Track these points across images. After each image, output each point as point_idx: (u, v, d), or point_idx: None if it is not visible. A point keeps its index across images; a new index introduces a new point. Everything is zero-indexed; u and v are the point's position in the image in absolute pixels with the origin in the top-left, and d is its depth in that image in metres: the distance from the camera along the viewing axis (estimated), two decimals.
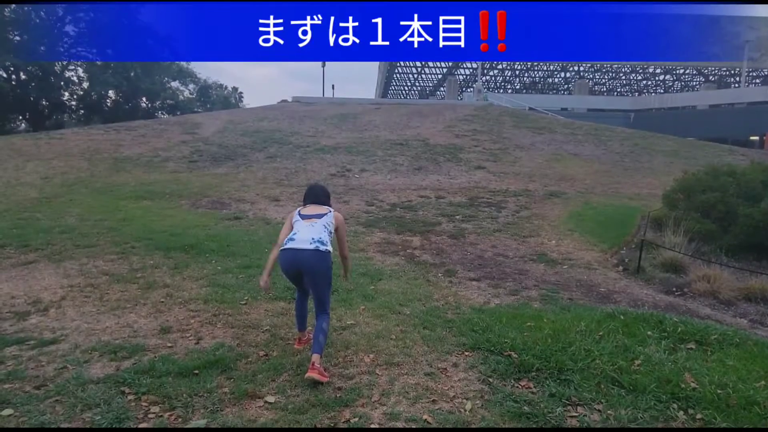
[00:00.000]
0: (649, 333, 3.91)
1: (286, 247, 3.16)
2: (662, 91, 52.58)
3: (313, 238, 3.13)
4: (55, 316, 4.11)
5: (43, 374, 3.07)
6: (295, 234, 3.19)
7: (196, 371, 3.11)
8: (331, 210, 3.41)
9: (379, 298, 4.71)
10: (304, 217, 3.29)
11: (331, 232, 3.28)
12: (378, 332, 3.87)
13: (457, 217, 9.21)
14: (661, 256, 6.87)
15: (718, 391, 2.96)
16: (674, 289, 5.91)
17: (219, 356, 3.33)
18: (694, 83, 50.32)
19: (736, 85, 43.06)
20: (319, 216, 3.29)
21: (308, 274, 3.16)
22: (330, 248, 3.18)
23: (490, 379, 3.13)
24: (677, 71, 48.03)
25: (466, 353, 3.52)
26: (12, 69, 29.60)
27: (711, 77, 47.25)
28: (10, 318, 4.04)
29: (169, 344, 3.58)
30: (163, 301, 4.50)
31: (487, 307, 4.65)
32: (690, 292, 5.80)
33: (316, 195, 3.47)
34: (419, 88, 57.59)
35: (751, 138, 30.89)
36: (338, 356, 3.44)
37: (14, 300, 4.47)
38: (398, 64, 46.57)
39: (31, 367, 3.17)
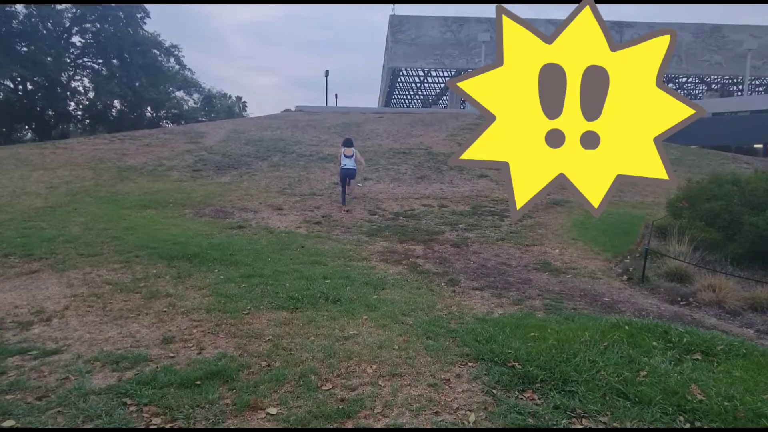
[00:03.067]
0: (654, 343, 3.87)
1: (344, 167, 10.02)
2: None
3: (353, 164, 10.07)
4: (58, 326, 4.11)
5: (45, 385, 3.07)
6: (345, 163, 9.99)
7: (198, 382, 3.10)
8: (354, 151, 10.15)
9: (382, 308, 4.70)
10: (345, 156, 10.00)
11: (355, 161, 10.05)
12: (381, 342, 3.85)
13: (460, 225, 9.20)
14: (665, 265, 6.83)
15: (725, 404, 2.92)
16: (679, 298, 5.86)
17: (221, 366, 3.31)
18: (697, 91, 50.32)
19: (739, 93, 43.04)
20: (351, 155, 10.04)
21: (351, 176, 10.18)
22: (356, 167, 10.21)
23: (494, 391, 3.10)
24: (680, 79, 48.05)
25: (470, 364, 3.50)
26: (19, 79, 29.95)
27: (713, 85, 47.24)
28: (13, 328, 4.05)
29: (171, 354, 3.57)
30: (165, 311, 4.50)
31: (491, 317, 4.63)
32: (695, 301, 5.75)
33: (347, 143, 10.27)
34: (422, 96, 57.77)
35: (755, 146, 30.78)
36: (341, 366, 3.42)
37: (18, 309, 4.48)
38: (401, 73, 46.80)
39: (33, 377, 3.17)
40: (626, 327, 4.20)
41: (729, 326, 5.05)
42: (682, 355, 3.72)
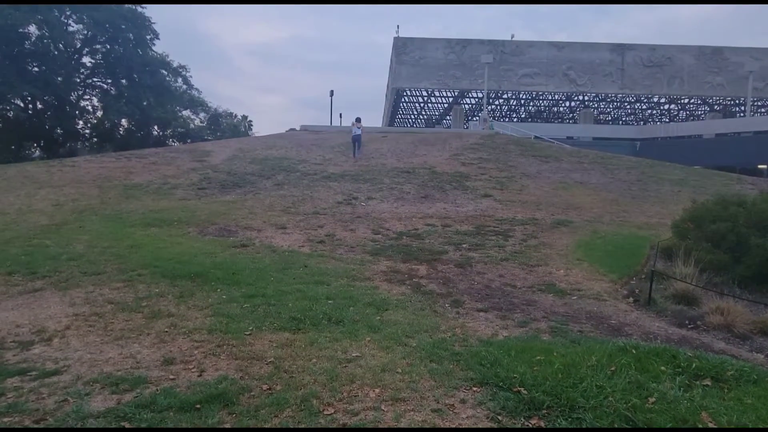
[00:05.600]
0: (662, 368, 3.79)
1: (354, 134, 18.81)
2: (667, 120, 52.81)
3: (360, 131, 18.84)
4: (58, 346, 4.08)
5: (43, 407, 3.03)
6: (354, 131, 18.81)
7: (198, 405, 3.05)
8: (361, 125, 18.94)
9: (385, 329, 4.64)
10: (356, 128, 18.75)
11: (361, 131, 18.92)
12: (384, 365, 3.79)
13: (464, 245, 9.16)
14: (672, 287, 6.75)
15: None
16: (687, 321, 5.77)
17: (221, 390, 3.27)
18: (699, 112, 50.57)
19: (742, 114, 43.25)
20: (359, 128, 18.84)
21: (358, 140, 18.74)
22: (361, 133, 18.96)
23: (500, 417, 3.03)
24: (682, 100, 48.34)
25: (474, 388, 3.43)
26: (29, 98, 30.44)
27: (716, 107, 47.51)
28: (14, 348, 4.02)
29: (172, 376, 3.53)
30: (167, 331, 4.47)
31: (495, 340, 4.56)
32: (703, 325, 5.66)
33: (358, 120, 18.89)
34: (425, 116, 58.33)
35: (759, 167, 30.76)
36: (343, 390, 3.36)
37: (19, 329, 4.46)
38: (405, 93, 47.35)
39: (31, 399, 3.13)
40: (634, 351, 4.13)
41: (739, 351, 4.95)
42: (691, 380, 3.64)
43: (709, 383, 3.61)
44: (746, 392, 3.46)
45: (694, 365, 3.86)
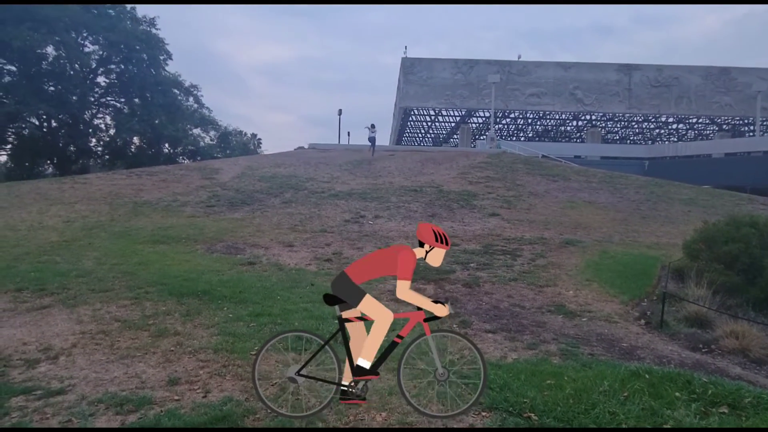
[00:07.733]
0: (677, 394, 3.69)
1: (370, 136, 24.10)
2: (675, 139, 52.70)
3: (374, 134, 24.21)
4: (64, 365, 4.07)
5: (47, 428, 3.00)
6: (370, 135, 24.08)
7: (202, 428, 3.00)
8: (376, 130, 24.47)
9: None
10: (371, 132, 24.06)
11: (376, 134, 24.63)
12: (391, 388, 3.73)
13: (472, 264, 9.09)
14: (684, 309, 6.62)
15: None
16: (701, 345, 5.65)
17: (226, 412, 3.22)
18: (708, 132, 50.44)
19: (751, 134, 43.04)
20: (374, 132, 24.17)
21: (373, 142, 23.97)
22: (376, 136, 24.79)
23: None
24: (690, 120, 48.28)
25: (483, 413, 3.36)
26: (44, 117, 31.10)
27: (724, 126, 47.39)
28: (20, 365, 4.02)
29: (177, 397, 3.49)
30: (172, 350, 4.44)
31: (505, 363, 4.48)
32: (718, 349, 5.53)
33: (372, 126, 24.21)
34: (433, 135, 58.70)
35: None
36: (348, 414, 3.30)
37: (26, 346, 4.46)
38: (413, 112, 47.79)
39: (36, 419, 3.11)
40: (647, 376, 4.03)
41: (755, 377, 4.82)
42: (707, 407, 3.53)
43: (725, 410, 3.51)
44: (765, 420, 3.35)
45: (710, 391, 3.75)
